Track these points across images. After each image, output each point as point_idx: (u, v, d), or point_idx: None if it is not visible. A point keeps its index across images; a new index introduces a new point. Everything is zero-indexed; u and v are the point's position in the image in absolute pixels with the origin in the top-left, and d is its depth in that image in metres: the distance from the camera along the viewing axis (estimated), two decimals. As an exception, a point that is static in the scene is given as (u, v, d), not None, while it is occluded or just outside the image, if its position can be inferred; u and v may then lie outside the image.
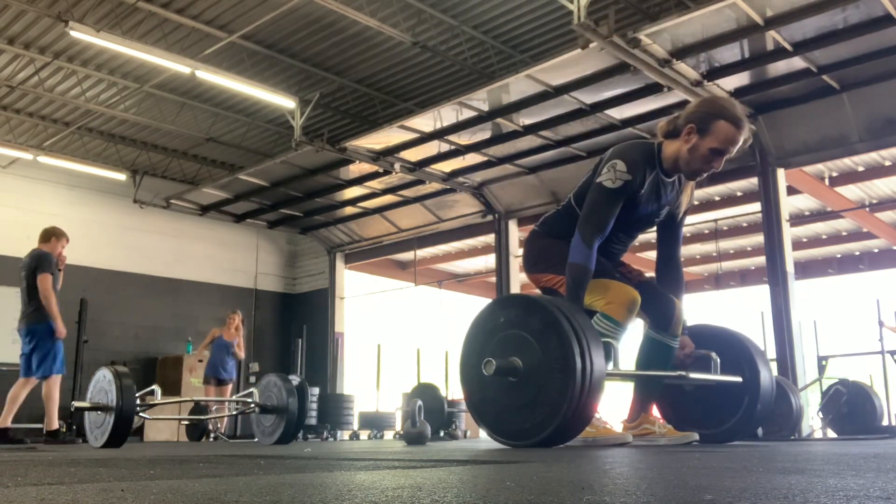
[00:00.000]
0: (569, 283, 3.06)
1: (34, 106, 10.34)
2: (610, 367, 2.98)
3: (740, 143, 3.09)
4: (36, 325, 6.25)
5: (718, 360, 3.37)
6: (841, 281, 12.84)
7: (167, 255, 12.42)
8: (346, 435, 11.51)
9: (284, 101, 9.26)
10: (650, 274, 3.58)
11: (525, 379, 2.80)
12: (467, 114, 8.72)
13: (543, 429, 2.74)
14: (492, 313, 3.05)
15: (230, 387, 9.62)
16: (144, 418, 5.48)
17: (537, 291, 3.45)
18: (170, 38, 8.51)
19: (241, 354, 10.02)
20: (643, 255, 11.42)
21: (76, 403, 4.85)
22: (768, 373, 3.46)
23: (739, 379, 3.39)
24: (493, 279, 11.74)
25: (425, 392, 8.43)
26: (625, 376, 3.26)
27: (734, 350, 3.47)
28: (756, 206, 8.91)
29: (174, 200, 11.95)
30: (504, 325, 2.94)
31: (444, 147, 9.71)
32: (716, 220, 11.00)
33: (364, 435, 11.49)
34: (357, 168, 10.58)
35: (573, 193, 3.34)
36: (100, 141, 11.36)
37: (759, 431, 5.96)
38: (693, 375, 3.23)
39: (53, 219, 11.40)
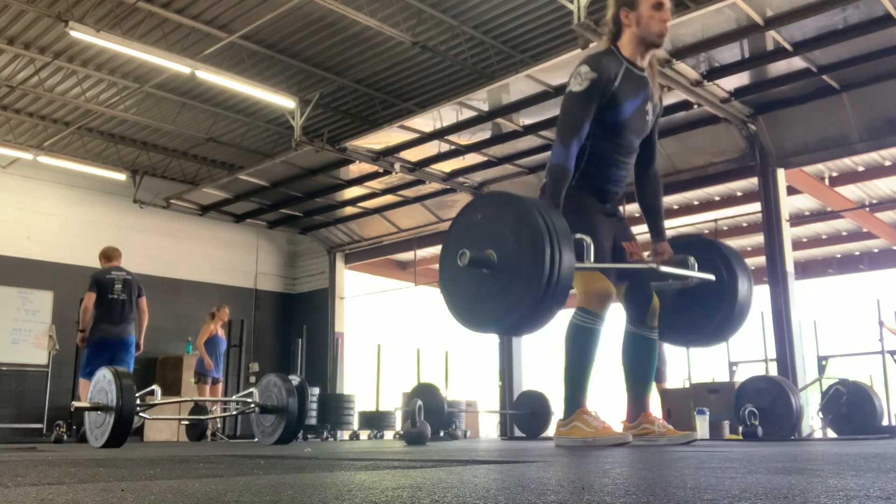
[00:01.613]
0: (548, 182, 3.17)
1: (34, 106, 10.34)
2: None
3: None
4: (133, 337, 7.06)
5: (696, 264, 3.46)
6: (841, 281, 12.84)
7: (167, 255, 12.41)
8: (346, 435, 11.50)
9: (284, 101, 9.26)
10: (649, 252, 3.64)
11: (498, 270, 2.89)
12: (467, 114, 8.72)
13: (511, 314, 2.85)
14: (469, 211, 3.10)
15: (220, 385, 9.61)
16: (144, 418, 5.47)
17: None
18: (170, 38, 8.51)
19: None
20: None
21: (76, 403, 4.85)
22: (745, 273, 3.55)
23: (712, 277, 3.46)
24: (493, 279, 11.71)
25: (425, 392, 8.43)
26: (596, 269, 3.22)
27: (711, 254, 3.56)
28: (756, 206, 8.91)
29: (174, 200, 11.95)
30: (481, 220, 3.01)
31: (444, 147, 9.70)
32: (716, 220, 11.00)
33: (364, 435, 11.48)
34: (357, 168, 10.58)
35: None
36: (100, 141, 11.36)
37: (759, 431, 5.97)
38: (664, 269, 3.29)
39: (53, 219, 11.43)
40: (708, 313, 3.55)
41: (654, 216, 3.56)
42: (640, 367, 3.46)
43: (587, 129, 3.21)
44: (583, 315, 3.25)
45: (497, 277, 2.89)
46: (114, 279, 7.02)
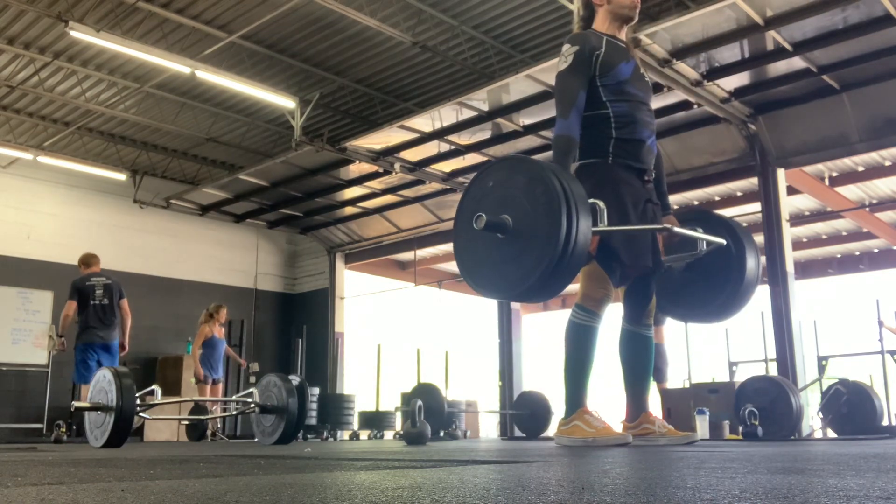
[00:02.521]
0: (554, 153, 3.20)
1: (34, 106, 10.34)
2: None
3: None
4: (117, 341, 7.33)
5: (703, 233, 3.47)
6: (841, 281, 12.84)
7: (167, 255, 12.41)
8: (346, 435, 11.50)
9: (284, 101, 9.26)
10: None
11: (514, 235, 2.87)
12: (467, 114, 8.72)
13: (527, 278, 2.81)
14: (480, 180, 3.09)
15: (221, 385, 9.56)
16: (144, 418, 5.47)
17: None
18: (170, 38, 8.51)
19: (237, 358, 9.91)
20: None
21: (76, 403, 4.85)
22: (753, 247, 3.54)
23: (723, 241, 3.45)
24: (493, 279, 11.70)
25: (425, 392, 8.43)
26: (611, 231, 3.19)
27: (718, 228, 3.55)
28: (756, 206, 8.91)
29: (174, 200, 11.95)
30: (492, 188, 3.00)
31: (444, 147, 9.70)
32: (716, 220, 10.98)
33: (364, 435, 11.48)
34: (357, 168, 10.58)
35: None
36: (100, 141, 11.36)
37: (759, 431, 5.97)
38: (676, 229, 3.28)
39: (53, 219, 11.44)
40: (715, 287, 3.54)
41: (657, 188, 3.53)
42: (638, 365, 3.47)
43: (583, 99, 3.25)
44: (581, 313, 3.27)
45: (512, 242, 2.87)
46: (94, 285, 7.25)
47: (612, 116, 3.28)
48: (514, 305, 12.17)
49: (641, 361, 3.48)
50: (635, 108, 3.33)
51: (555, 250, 2.71)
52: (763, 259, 8.35)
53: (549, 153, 3.29)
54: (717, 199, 10.51)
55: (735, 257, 3.48)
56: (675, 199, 10.26)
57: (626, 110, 3.30)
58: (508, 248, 2.88)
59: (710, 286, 3.56)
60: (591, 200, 2.93)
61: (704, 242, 3.42)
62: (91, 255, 7.59)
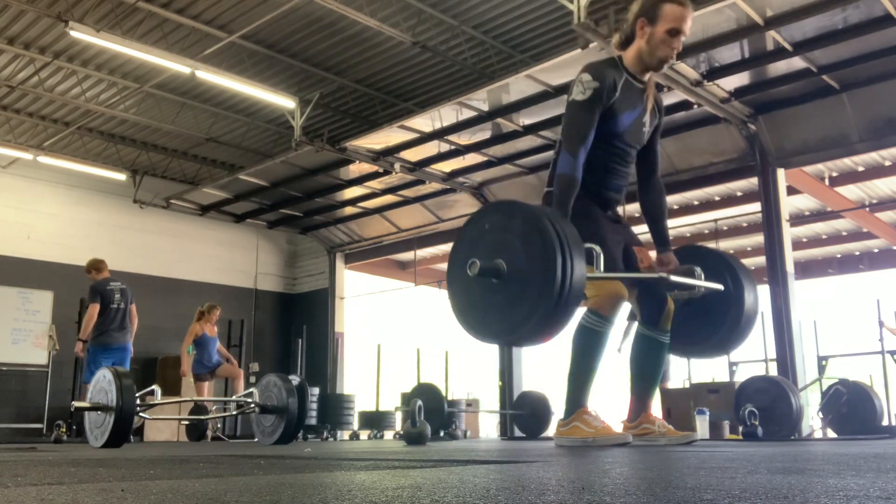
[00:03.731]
0: (556, 193, 3.15)
1: (34, 106, 10.33)
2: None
3: (689, 20, 3.43)
4: (130, 343, 7.71)
5: (702, 273, 3.43)
6: (841, 281, 12.84)
7: (167, 255, 12.41)
8: (346, 435, 11.50)
9: (284, 101, 9.26)
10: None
11: (508, 280, 2.84)
12: (467, 114, 8.72)
13: (522, 325, 2.80)
14: (476, 221, 3.07)
15: (224, 365, 9.46)
16: (144, 418, 5.47)
17: None
18: (170, 38, 8.51)
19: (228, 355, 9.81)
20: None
21: (76, 403, 4.85)
22: (751, 284, 3.52)
23: (720, 287, 3.43)
24: (493, 279, 11.69)
25: (425, 392, 8.42)
26: (606, 278, 3.17)
27: (717, 265, 3.53)
28: (756, 206, 8.91)
29: (174, 200, 11.95)
30: (488, 231, 2.97)
31: (444, 147, 9.70)
32: (716, 220, 11.00)
33: (364, 435, 11.48)
34: (357, 168, 10.58)
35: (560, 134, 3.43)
36: (100, 141, 11.36)
37: (759, 431, 5.97)
38: (674, 279, 3.25)
39: (53, 219, 11.44)
40: (713, 324, 3.51)
41: (658, 225, 3.53)
42: (649, 370, 3.46)
43: (592, 137, 3.21)
44: (592, 318, 3.22)
45: (507, 287, 2.83)
46: (113, 290, 7.61)
47: (590, 161, 3.25)
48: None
49: (653, 367, 3.46)
50: (611, 158, 3.33)
51: (550, 297, 2.69)
52: (762, 259, 8.38)
53: (549, 153, 3.28)
54: (717, 199, 10.51)
55: (733, 295, 3.45)
56: (675, 199, 10.31)
57: (602, 159, 3.30)
58: (503, 293, 2.85)
59: (708, 323, 3.53)
60: (587, 245, 2.90)
61: (701, 278, 3.40)
62: (101, 260, 7.81)
